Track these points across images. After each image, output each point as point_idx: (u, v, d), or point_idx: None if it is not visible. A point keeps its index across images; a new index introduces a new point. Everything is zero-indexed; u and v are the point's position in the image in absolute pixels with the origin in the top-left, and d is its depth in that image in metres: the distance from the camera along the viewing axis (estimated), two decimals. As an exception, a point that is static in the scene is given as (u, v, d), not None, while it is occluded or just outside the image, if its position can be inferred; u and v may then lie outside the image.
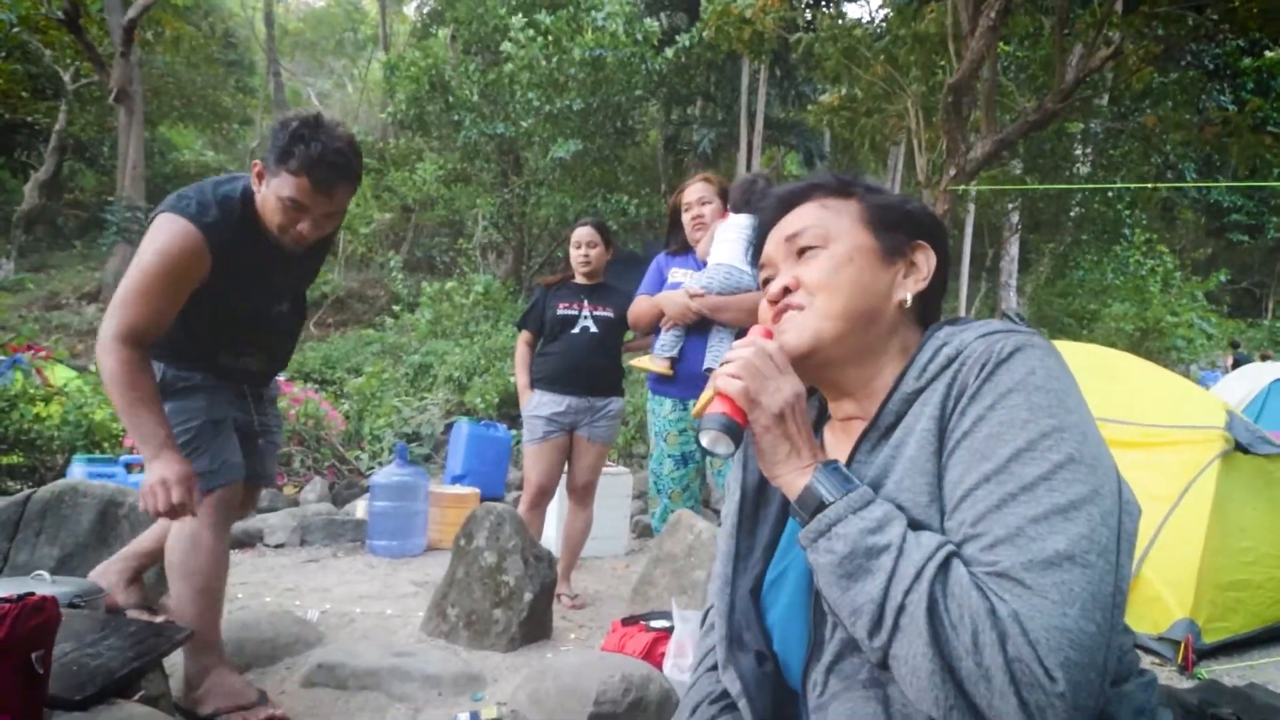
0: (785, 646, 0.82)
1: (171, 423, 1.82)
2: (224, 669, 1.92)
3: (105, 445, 4.77)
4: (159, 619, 2.31)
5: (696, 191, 2.70)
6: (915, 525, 0.70)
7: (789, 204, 0.91)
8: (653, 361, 2.60)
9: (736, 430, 0.77)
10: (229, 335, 2.01)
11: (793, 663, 0.81)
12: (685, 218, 2.71)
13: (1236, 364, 9.61)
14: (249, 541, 3.77)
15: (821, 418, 0.94)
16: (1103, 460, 0.68)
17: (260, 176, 1.79)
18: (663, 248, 2.87)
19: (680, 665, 1.95)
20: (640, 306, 2.70)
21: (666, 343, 2.58)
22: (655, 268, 2.77)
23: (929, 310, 0.88)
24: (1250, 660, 2.78)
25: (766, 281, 0.91)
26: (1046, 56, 8.62)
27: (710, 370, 2.49)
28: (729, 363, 0.78)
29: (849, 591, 0.68)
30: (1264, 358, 10.79)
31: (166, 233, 1.74)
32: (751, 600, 0.87)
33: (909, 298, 0.85)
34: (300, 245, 1.86)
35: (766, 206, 0.94)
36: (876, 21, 10.86)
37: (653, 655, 2.06)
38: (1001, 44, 8.02)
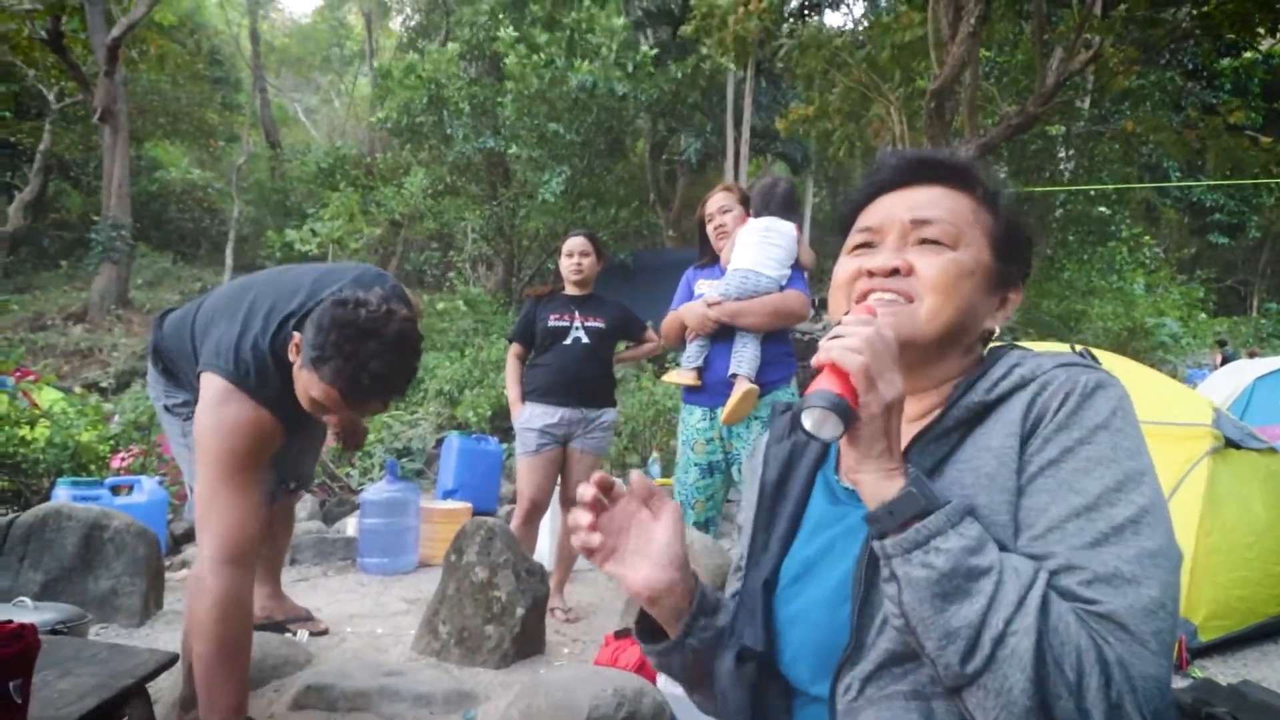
0: (801, 644, 0.80)
1: (186, 441, 1.77)
2: None
3: (92, 468, 4.72)
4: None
5: (717, 201, 2.72)
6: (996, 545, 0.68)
7: (919, 173, 0.85)
8: (679, 373, 2.59)
9: (848, 411, 0.66)
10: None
11: (807, 660, 0.79)
12: (709, 228, 2.73)
13: (1225, 361, 9.69)
14: (238, 561, 3.73)
15: None
16: (1168, 511, 0.69)
17: (297, 349, 1.61)
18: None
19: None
20: (667, 322, 2.71)
21: (691, 353, 2.58)
22: (684, 282, 2.79)
23: (985, 341, 0.88)
24: (1244, 659, 2.78)
25: (861, 246, 0.85)
26: (1027, 61, 8.71)
27: (735, 376, 2.50)
28: (841, 336, 0.69)
29: (943, 613, 0.63)
30: (1251, 355, 10.89)
31: (232, 417, 1.60)
32: (763, 594, 0.84)
33: (997, 330, 0.84)
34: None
35: (893, 164, 0.87)
36: (858, 30, 10.97)
37: (646, 669, 2.04)
38: (983, 49, 8.11)
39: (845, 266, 0.85)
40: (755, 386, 2.46)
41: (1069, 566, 0.65)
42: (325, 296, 1.66)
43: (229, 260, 12.63)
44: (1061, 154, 11.66)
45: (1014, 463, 0.71)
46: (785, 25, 8.96)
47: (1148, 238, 13.07)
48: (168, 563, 3.54)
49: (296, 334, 1.64)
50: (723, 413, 2.47)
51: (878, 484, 0.69)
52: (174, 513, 4.43)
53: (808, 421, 0.68)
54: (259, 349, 1.68)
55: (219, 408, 1.62)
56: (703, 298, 2.55)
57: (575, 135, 9.35)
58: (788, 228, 2.58)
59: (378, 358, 1.52)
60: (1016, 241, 0.85)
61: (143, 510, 3.16)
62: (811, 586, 0.81)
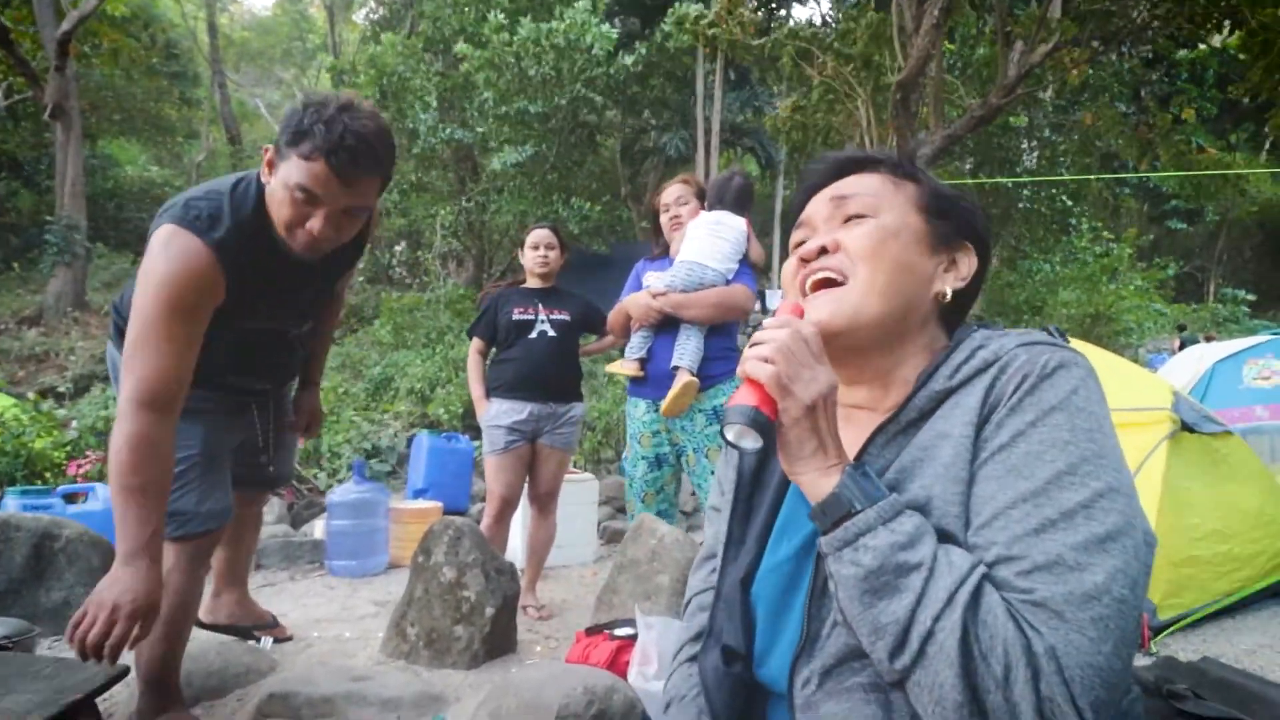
0: (771, 640, 0.78)
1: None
2: (178, 711, 1.84)
3: (48, 476, 4.57)
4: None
5: (674, 193, 2.69)
6: (941, 535, 0.67)
7: (843, 170, 0.88)
8: (622, 365, 2.58)
9: (765, 424, 0.68)
10: (242, 359, 1.81)
11: (778, 657, 0.77)
12: (663, 219, 2.70)
13: (1183, 346, 9.96)
14: (201, 568, 3.63)
15: None
16: (1133, 490, 0.66)
17: (270, 165, 1.53)
18: (630, 248, 2.86)
19: (645, 673, 1.92)
20: (614, 313, 2.70)
21: (635, 344, 2.56)
22: (634, 274, 2.75)
23: (957, 315, 0.86)
24: (1203, 635, 2.85)
25: (800, 244, 0.86)
26: (990, 54, 8.84)
27: (677, 368, 2.47)
28: (759, 344, 0.70)
29: (872, 609, 0.64)
30: (1208, 339, 11.20)
31: (172, 255, 1.49)
32: (741, 590, 0.82)
33: (948, 292, 0.81)
34: (311, 251, 1.57)
35: (817, 168, 0.90)
36: (828, 24, 11.03)
37: (617, 664, 2.03)
38: (947, 43, 8.20)
39: (788, 265, 0.87)
40: (696, 379, 2.43)
41: (1008, 557, 0.63)
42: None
43: (190, 260, 12.29)
44: (1024, 145, 11.87)
45: (968, 451, 0.69)
46: (759, 25, 8.98)
47: (1106, 232, 13.36)
48: (126, 571, 3.44)
49: (269, 148, 1.53)
50: (664, 403, 2.46)
51: (815, 482, 0.69)
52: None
53: (729, 434, 0.70)
54: (213, 194, 1.58)
55: (162, 250, 1.50)
56: (647, 288, 2.53)
57: (540, 108, 9.22)
58: (738, 222, 2.57)
59: (356, 122, 1.46)
60: (946, 202, 0.84)
61: (98, 519, 3.06)
62: (778, 584, 0.80)
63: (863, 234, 0.80)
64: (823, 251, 0.81)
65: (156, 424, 1.46)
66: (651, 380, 2.55)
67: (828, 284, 0.80)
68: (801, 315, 0.77)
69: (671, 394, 2.42)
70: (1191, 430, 3.11)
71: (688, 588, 0.97)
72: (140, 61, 13.24)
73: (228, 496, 1.88)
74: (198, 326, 1.54)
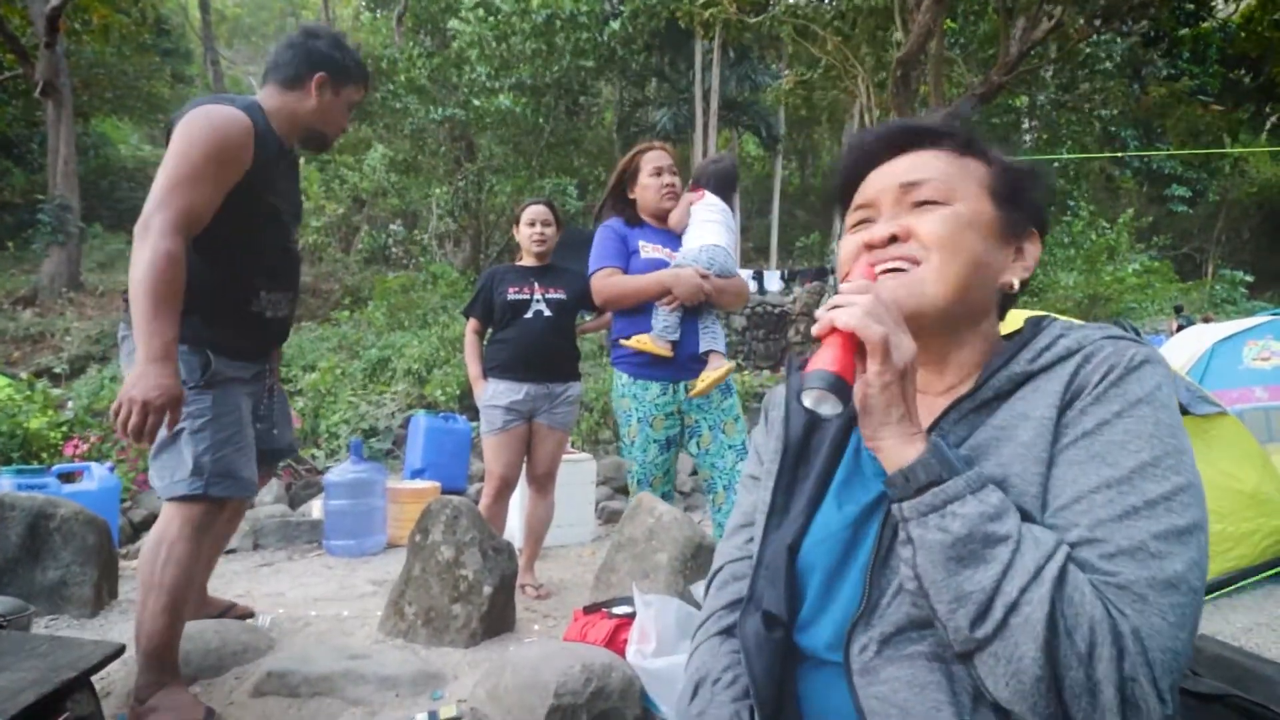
0: (821, 607, 0.78)
1: (213, 412, 1.83)
2: (177, 686, 1.84)
3: (44, 456, 4.56)
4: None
5: (665, 158, 2.56)
6: (1021, 514, 0.67)
7: (901, 144, 0.84)
8: (655, 343, 2.43)
9: (845, 389, 0.67)
10: (263, 270, 1.97)
11: (827, 624, 0.77)
12: (652, 182, 2.53)
13: (1180, 328, 9.95)
14: (199, 548, 3.63)
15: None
16: (1204, 492, 0.67)
17: (321, 86, 1.96)
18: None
19: (643, 651, 1.92)
20: (625, 283, 2.45)
21: (671, 324, 2.43)
22: (616, 238, 2.53)
23: (1010, 303, 0.85)
24: (1201, 613, 2.87)
25: (860, 223, 0.84)
26: (991, 32, 8.73)
27: (710, 352, 2.46)
28: (841, 307, 0.68)
29: (956, 576, 0.64)
30: (1206, 320, 11.20)
31: (213, 115, 1.75)
32: (787, 559, 0.81)
33: (1016, 283, 0.81)
34: (333, 143, 2.14)
35: (872, 140, 0.86)
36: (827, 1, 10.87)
37: (615, 642, 2.03)
38: (948, 20, 8.10)
39: (848, 245, 0.84)
40: (733, 363, 2.48)
41: (1092, 539, 0.64)
42: None
43: (185, 240, 12.20)
44: (1025, 125, 11.77)
45: (1050, 434, 0.70)
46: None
47: (1103, 220, 13.31)
48: (123, 551, 3.44)
49: (321, 74, 1.95)
50: (697, 385, 2.43)
51: (897, 449, 0.68)
52: (131, 499, 4.32)
53: (808, 400, 0.68)
54: (252, 104, 1.88)
55: (203, 115, 1.75)
56: (691, 267, 2.43)
57: (534, 75, 9.12)
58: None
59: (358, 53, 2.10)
60: (1017, 186, 0.82)
61: (93, 498, 3.06)
62: (835, 552, 0.79)
63: (938, 221, 0.78)
64: (893, 239, 0.79)
65: (180, 247, 1.67)
66: (676, 362, 2.46)
67: (897, 273, 0.79)
68: (875, 280, 0.77)
69: (713, 377, 2.42)
70: (1187, 412, 3.10)
71: (717, 555, 0.95)
72: (131, 38, 13.04)
73: (254, 470, 1.97)
74: (225, 180, 1.77)
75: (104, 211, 12.91)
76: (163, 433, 1.69)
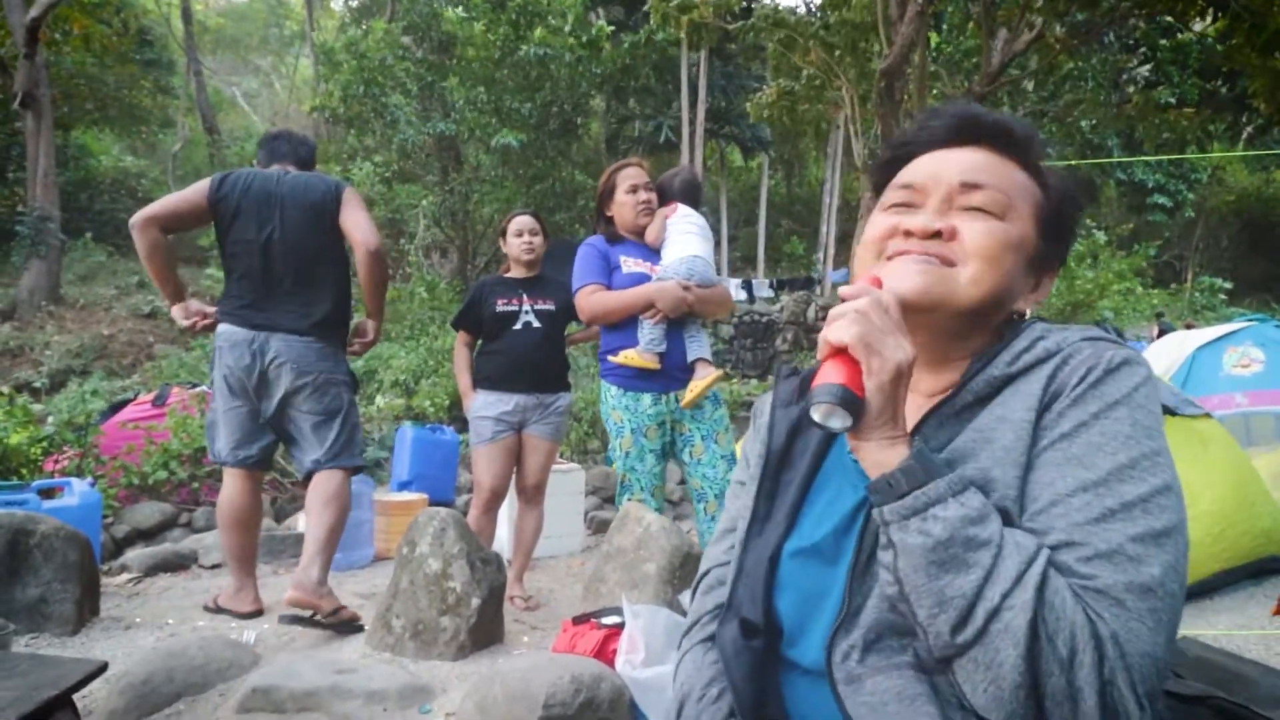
0: (807, 619, 0.77)
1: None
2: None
3: (23, 472, 4.48)
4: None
5: (640, 175, 2.62)
6: (1003, 518, 0.66)
7: (970, 133, 0.81)
8: (641, 357, 2.47)
9: (854, 401, 0.66)
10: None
11: (815, 635, 0.76)
12: (628, 199, 2.58)
13: (1161, 333, 10.08)
14: (182, 564, 3.59)
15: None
16: (1183, 493, 0.67)
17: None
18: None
19: (632, 661, 1.91)
20: (609, 299, 2.50)
21: (656, 337, 2.47)
22: (598, 255, 2.59)
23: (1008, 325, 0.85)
24: (1183, 616, 2.89)
25: (900, 205, 0.81)
26: (975, 44, 8.87)
27: (698, 361, 2.51)
28: (839, 314, 0.68)
29: (938, 580, 0.63)
30: (1188, 327, 11.35)
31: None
32: (767, 568, 0.81)
33: (1028, 312, 0.82)
34: None
35: (941, 123, 0.82)
36: (812, 10, 11.00)
37: (604, 653, 2.02)
38: (931, 32, 8.21)
39: (880, 223, 0.81)
40: (721, 371, 2.52)
41: (1069, 542, 0.64)
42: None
43: (167, 252, 12.07)
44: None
45: (1028, 437, 0.69)
46: (739, 4, 8.93)
47: (1091, 219, 13.50)
48: (105, 567, 3.39)
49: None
50: (686, 395, 2.48)
51: (880, 452, 0.68)
52: (113, 515, 4.25)
53: (816, 415, 0.68)
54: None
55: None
56: (673, 280, 2.47)
57: (528, 105, 9.18)
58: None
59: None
60: (1064, 222, 0.82)
61: (74, 514, 3.00)
62: (819, 562, 0.78)
63: (986, 233, 0.76)
64: (935, 235, 0.77)
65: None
66: (665, 373, 2.50)
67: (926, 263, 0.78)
68: (880, 286, 0.73)
69: (702, 386, 2.45)
70: (1174, 414, 3.14)
71: (704, 560, 0.95)
72: (113, 48, 12.94)
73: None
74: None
75: (84, 224, 12.76)
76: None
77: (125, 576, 3.33)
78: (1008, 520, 0.66)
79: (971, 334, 0.80)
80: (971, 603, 0.61)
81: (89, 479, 3.62)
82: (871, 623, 0.71)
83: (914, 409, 0.77)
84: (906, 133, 0.86)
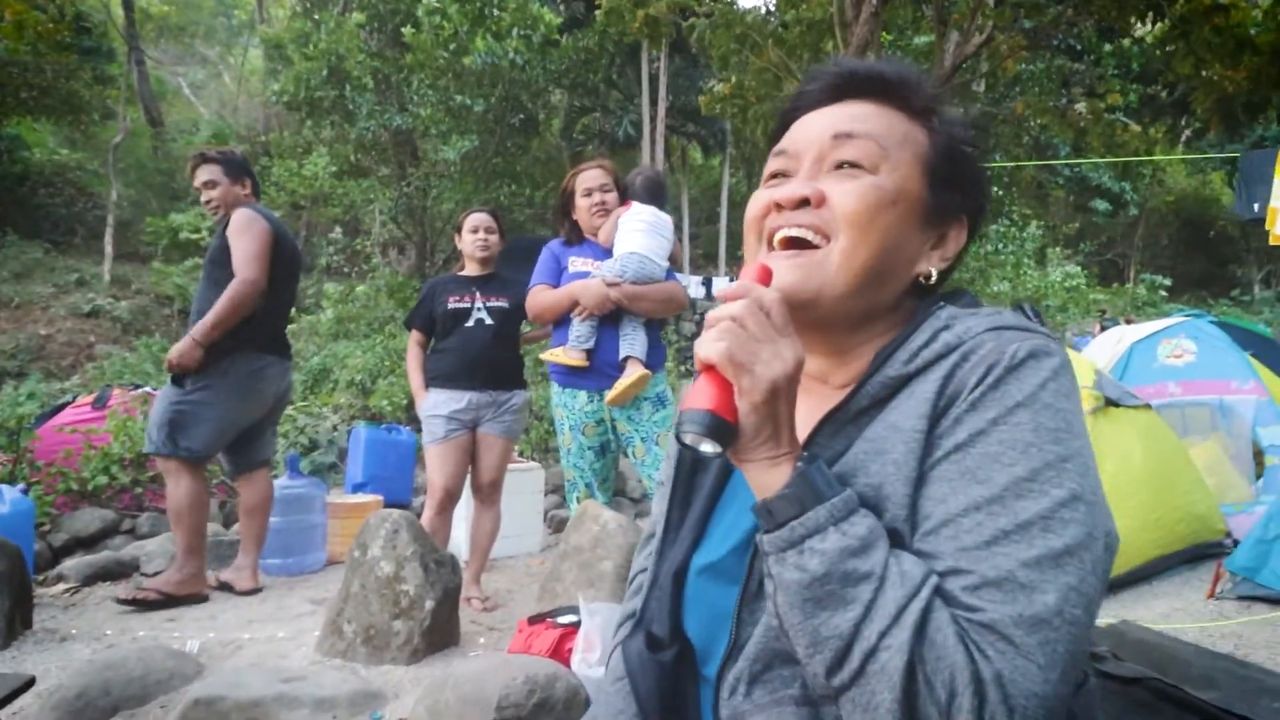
0: (711, 640, 0.72)
1: None
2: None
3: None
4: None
5: (597, 178, 2.63)
6: (893, 539, 0.61)
7: (850, 89, 0.74)
8: (566, 353, 2.50)
9: (723, 429, 0.60)
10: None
11: (716, 659, 0.71)
12: (584, 203, 2.63)
13: (1104, 329, 10.45)
14: (123, 572, 3.45)
15: None
16: (1100, 494, 0.60)
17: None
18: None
19: (588, 660, 1.90)
20: (545, 298, 2.58)
21: (583, 334, 2.49)
22: (550, 257, 2.67)
23: (934, 281, 0.76)
24: (1122, 600, 3.00)
25: (777, 175, 0.74)
26: (927, 45, 9.04)
27: (629, 359, 2.48)
28: (713, 322, 0.62)
29: (813, 619, 0.57)
30: (1128, 322, 11.79)
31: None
32: (673, 584, 0.76)
33: (933, 273, 0.73)
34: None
35: (816, 84, 0.75)
36: (768, 10, 11.08)
37: (560, 652, 2.00)
38: (885, 33, 8.34)
39: (759, 199, 0.74)
40: (649, 371, 2.48)
41: (957, 570, 0.58)
42: None
43: (108, 248, 11.61)
44: (960, 134, 12.21)
45: (920, 448, 0.62)
46: (697, 4, 8.94)
47: (1035, 220, 13.90)
48: (40, 578, 3.24)
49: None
50: (610, 394, 2.46)
51: (762, 474, 0.62)
52: (50, 522, 4.07)
53: (686, 439, 0.63)
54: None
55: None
56: (599, 277, 2.48)
57: (482, 106, 9.06)
58: (670, 222, 2.65)
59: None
60: (958, 166, 0.74)
61: (5, 522, 2.86)
62: (723, 580, 0.73)
63: (855, 194, 0.69)
64: (805, 202, 0.70)
65: None
66: (595, 370, 2.51)
67: (797, 243, 0.71)
68: (769, 276, 0.66)
69: (625, 384, 2.43)
70: (1116, 405, 3.26)
71: (632, 566, 0.91)
72: (48, 36, 12.36)
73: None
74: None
75: (19, 218, 12.18)
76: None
77: (61, 586, 3.19)
78: (899, 543, 0.61)
79: (871, 314, 0.73)
80: (848, 643, 0.56)
81: (21, 485, 3.45)
82: (759, 652, 0.66)
83: (823, 401, 0.71)
84: (790, 99, 0.79)
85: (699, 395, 0.61)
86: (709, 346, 0.61)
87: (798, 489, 0.60)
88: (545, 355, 2.61)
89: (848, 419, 0.68)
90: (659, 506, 0.86)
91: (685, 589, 0.76)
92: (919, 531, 0.61)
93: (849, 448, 0.67)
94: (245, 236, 2.87)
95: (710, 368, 0.62)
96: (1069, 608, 0.55)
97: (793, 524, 0.59)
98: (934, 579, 0.58)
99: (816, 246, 0.70)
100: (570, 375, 2.54)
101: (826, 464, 0.64)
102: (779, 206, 0.72)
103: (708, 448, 0.63)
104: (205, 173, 3.03)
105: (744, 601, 0.68)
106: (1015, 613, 0.55)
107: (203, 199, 3.08)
